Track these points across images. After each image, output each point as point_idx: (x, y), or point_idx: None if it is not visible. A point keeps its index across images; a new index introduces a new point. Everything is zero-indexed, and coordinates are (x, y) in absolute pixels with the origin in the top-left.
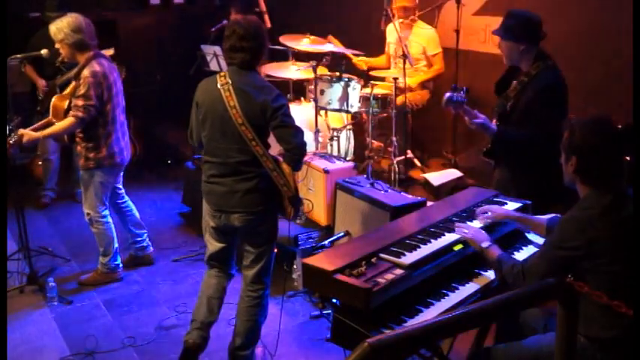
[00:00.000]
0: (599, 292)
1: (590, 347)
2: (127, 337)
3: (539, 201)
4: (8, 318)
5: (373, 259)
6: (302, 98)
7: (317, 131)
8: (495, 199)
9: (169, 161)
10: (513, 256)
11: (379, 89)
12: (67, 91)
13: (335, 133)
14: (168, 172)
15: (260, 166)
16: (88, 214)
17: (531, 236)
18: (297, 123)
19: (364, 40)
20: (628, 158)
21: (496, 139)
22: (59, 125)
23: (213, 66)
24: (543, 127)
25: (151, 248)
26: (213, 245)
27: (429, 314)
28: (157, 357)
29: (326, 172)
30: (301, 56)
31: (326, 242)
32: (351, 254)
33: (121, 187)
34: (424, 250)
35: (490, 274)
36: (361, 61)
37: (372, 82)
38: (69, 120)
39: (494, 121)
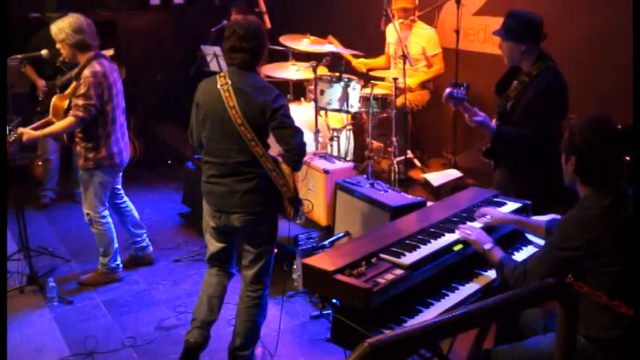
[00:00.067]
0: (599, 292)
1: (590, 347)
2: (127, 337)
3: (539, 201)
4: (8, 318)
5: (373, 260)
6: (302, 98)
7: (317, 131)
8: (495, 200)
9: (169, 161)
10: (513, 256)
11: (379, 89)
12: (68, 91)
13: (335, 134)
14: (168, 172)
15: (260, 167)
16: (88, 214)
17: (531, 236)
18: (297, 123)
19: (364, 41)
20: (628, 158)
21: (496, 138)
22: (59, 124)
23: (213, 66)
24: (543, 127)
25: (151, 248)
26: (213, 245)
27: (429, 314)
28: (156, 357)
29: (326, 172)
30: (301, 56)
31: (326, 242)
32: (351, 254)
33: (120, 187)
34: (424, 251)
35: (490, 274)
36: (360, 63)
37: (372, 82)
38: (69, 119)
39: (494, 120)
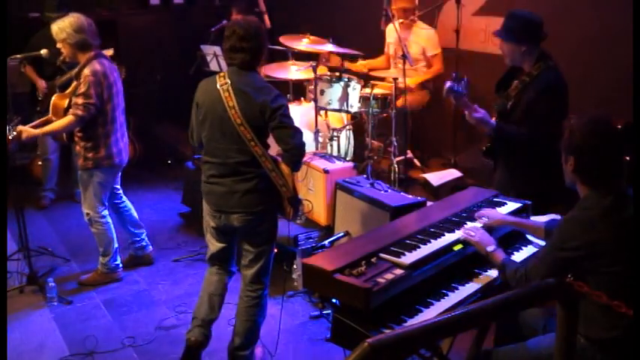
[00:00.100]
0: (599, 292)
1: (589, 348)
2: (127, 337)
3: (539, 201)
4: (8, 318)
5: (373, 259)
6: (302, 98)
7: (317, 131)
8: (495, 200)
9: (169, 161)
10: (513, 256)
11: (379, 89)
12: (69, 90)
13: (335, 133)
14: (168, 172)
15: (259, 167)
16: (88, 214)
17: (531, 236)
18: (297, 123)
19: (364, 41)
20: (628, 158)
21: (495, 135)
22: (58, 123)
23: (213, 66)
24: (543, 127)
25: (150, 248)
26: (214, 245)
27: (429, 314)
28: (156, 357)
29: (326, 172)
30: (301, 56)
31: (326, 242)
32: (351, 254)
33: (118, 187)
34: (424, 250)
35: (490, 274)
36: (360, 65)
37: (372, 82)
38: (68, 118)
39: (493, 118)
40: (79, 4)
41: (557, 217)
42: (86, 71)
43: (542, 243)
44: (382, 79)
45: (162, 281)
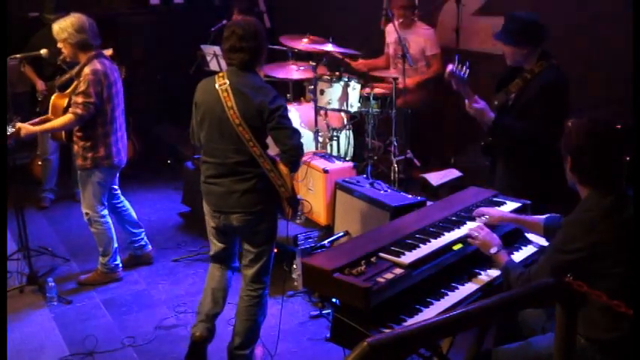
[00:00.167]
0: (599, 292)
1: (589, 348)
2: (127, 337)
3: (538, 201)
4: (8, 318)
5: (373, 259)
6: (302, 98)
7: (317, 131)
8: (495, 199)
9: (169, 161)
10: (512, 256)
11: (379, 89)
12: (69, 90)
13: (335, 133)
14: (168, 172)
15: (258, 167)
16: (87, 214)
17: (531, 236)
18: (297, 123)
19: (364, 41)
20: (628, 158)
21: (494, 127)
22: (58, 121)
23: (213, 66)
24: (543, 124)
25: (150, 247)
26: (215, 245)
27: (429, 314)
28: (156, 357)
29: (326, 171)
30: (301, 56)
31: (325, 242)
32: (350, 254)
33: (117, 187)
34: (424, 250)
35: (490, 274)
36: (360, 64)
37: (372, 82)
38: (68, 116)
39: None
40: (79, 4)
41: (556, 215)
42: (86, 70)
43: (542, 241)
44: (382, 79)
45: (162, 281)
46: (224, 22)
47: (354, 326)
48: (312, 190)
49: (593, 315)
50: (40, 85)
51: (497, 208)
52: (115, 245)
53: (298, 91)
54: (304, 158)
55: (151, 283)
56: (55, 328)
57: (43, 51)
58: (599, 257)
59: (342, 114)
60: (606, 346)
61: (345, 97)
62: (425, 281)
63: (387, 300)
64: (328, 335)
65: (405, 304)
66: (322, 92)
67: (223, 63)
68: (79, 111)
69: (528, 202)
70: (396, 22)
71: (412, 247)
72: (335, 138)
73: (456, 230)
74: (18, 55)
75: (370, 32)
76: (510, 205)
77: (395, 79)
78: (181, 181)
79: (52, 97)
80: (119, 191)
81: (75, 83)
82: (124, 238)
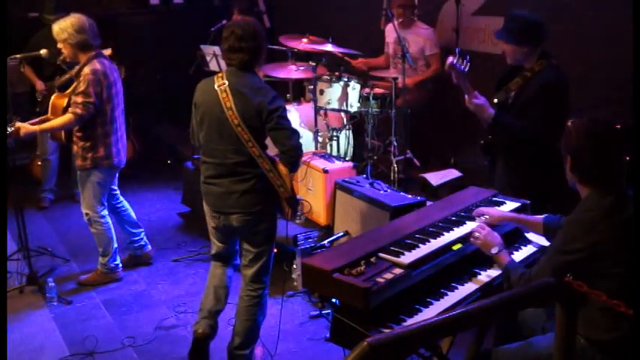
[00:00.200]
0: (598, 292)
1: (589, 349)
2: (127, 337)
3: (538, 201)
4: (8, 318)
5: (372, 259)
6: (302, 98)
7: (316, 131)
8: (494, 199)
9: (169, 161)
10: (512, 255)
11: (379, 89)
12: (69, 90)
13: (334, 133)
14: (168, 172)
15: (257, 167)
16: (87, 214)
17: (530, 236)
18: (297, 123)
19: (364, 41)
20: (628, 158)
21: (494, 124)
22: (57, 120)
23: (213, 66)
24: (542, 124)
25: (149, 247)
26: (216, 245)
27: (429, 314)
28: (156, 357)
29: (325, 171)
30: (301, 56)
31: (325, 242)
32: (350, 254)
33: (116, 187)
34: (423, 250)
35: (490, 274)
36: (360, 63)
37: (372, 81)
38: (67, 116)
39: None
40: (79, 4)
41: (556, 215)
42: (86, 70)
43: (542, 241)
44: (382, 79)
45: (162, 281)
46: (224, 22)
47: (354, 326)
48: (312, 190)
49: (593, 315)
50: (40, 85)
51: (496, 207)
52: (115, 245)
53: (298, 91)
54: (304, 158)
55: (151, 284)
56: (55, 329)
57: (43, 51)
58: (599, 257)
59: (342, 114)
60: (606, 347)
61: (344, 97)
62: (424, 281)
63: (387, 300)
64: (328, 335)
65: (405, 304)
66: (322, 92)
67: (223, 63)
68: (78, 111)
69: (528, 201)
70: (396, 22)
71: (412, 247)
72: (335, 138)
73: (456, 230)
74: (18, 56)
75: (370, 32)
76: (510, 205)
77: (394, 78)
78: (181, 181)
79: (52, 98)
80: (118, 192)
81: (75, 83)
82: (124, 238)
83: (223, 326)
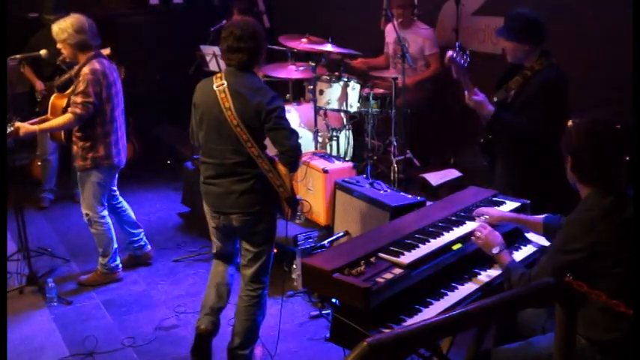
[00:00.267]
0: (598, 291)
1: (589, 349)
2: (127, 338)
3: (538, 200)
4: (8, 319)
5: (372, 259)
6: (301, 98)
7: (316, 131)
8: (494, 199)
9: (169, 161)
10: (512, 255)
11: (378, 89)
12: (68, 91)
13: (334, 133)
14: (168, 172)
15: (256, 167)
16: (87, 214)
17: (530, 235)
18: (297, 123)
19: (364, 41)
20: (628, 158)
21: (494, 121)
22: (56, 120)
23: (213, 66)
24: (542, 123)
25: (149, 247)
26: (217, 244)
27: (428, 313)
28: (156, 357)
29: (325, 171)
30: (300, 56)
31: (325, 242)
32: (350, 254)
33: (115, 188)
34: (423, 250)
35: (490, 274)
36: (359, 63)
37: (372, 81)
38: (67, 116)
39: None
40: (79, 4)
41: (556, 215)
42: (85, 70)
43: (542, 241)
44: (381, 79)
45: (162, 281)
46: (223, 22)
47: (354, 326)
48: (312, 190)
49: (593, 315)
50: (39, 85)
51: (496, 207)
52: (115, 246)
53: (298, 91)
54: (304, 158)
55: (151, 284)
56: (55, 329)
57: (43, 51)
58: (599, 257)
59: (342, 114)
60: (606, 347)
61: (344, 97)
62: (424, 281)
63: (387, 300)
64: (328, 335)
65: (405, 304)
66: (322, 92)
67: (223, 63)
68: (78, 111)
69: (528, 201)
70: (396, 22)
71: (411, 247)
72: (334, 138)
73: (456, 230)
74: (18, 56)
75: (370, 32)
76: (510, 205)
77: (394, 78)
78: (181, 182)
79: (52, 98)
80: (118, 192)
81: (74, 83)
82: (123, 238)
83: (223, 326)
